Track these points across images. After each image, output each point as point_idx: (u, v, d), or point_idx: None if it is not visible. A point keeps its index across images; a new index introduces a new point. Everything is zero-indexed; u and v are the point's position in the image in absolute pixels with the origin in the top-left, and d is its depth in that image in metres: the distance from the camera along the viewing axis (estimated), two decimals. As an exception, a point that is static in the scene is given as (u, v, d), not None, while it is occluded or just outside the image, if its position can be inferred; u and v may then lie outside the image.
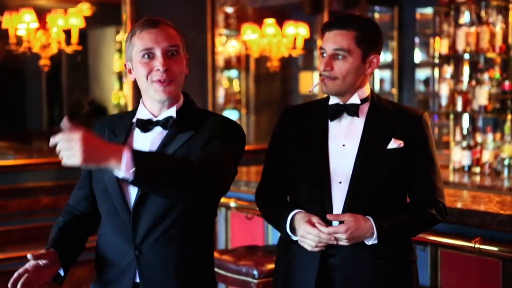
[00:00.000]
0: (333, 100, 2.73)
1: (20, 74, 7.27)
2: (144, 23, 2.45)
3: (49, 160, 6.43)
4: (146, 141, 2.45)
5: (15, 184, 6.18)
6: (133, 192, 2.41)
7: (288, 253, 2.75)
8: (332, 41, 2.66)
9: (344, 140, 2.69)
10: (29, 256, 2.31)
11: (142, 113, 2.49)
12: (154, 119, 2.46)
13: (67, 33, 6.33)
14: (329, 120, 2.72)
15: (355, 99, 2.70)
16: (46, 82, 7.37)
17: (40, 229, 6.03)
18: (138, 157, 2.12)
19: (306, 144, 2.72)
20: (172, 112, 2.46)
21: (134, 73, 2.48)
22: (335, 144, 2.69)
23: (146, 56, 2.41)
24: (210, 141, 2.39)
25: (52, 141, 2.09)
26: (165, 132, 2.45)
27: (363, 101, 2.71)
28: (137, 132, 2.48)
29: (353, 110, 2.68)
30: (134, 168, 2.09)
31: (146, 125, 2.46)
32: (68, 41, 6.33)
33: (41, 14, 6.25)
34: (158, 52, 2.40)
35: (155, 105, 2.47)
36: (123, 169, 2.10)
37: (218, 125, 2.45)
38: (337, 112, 2.70)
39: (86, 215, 2.60)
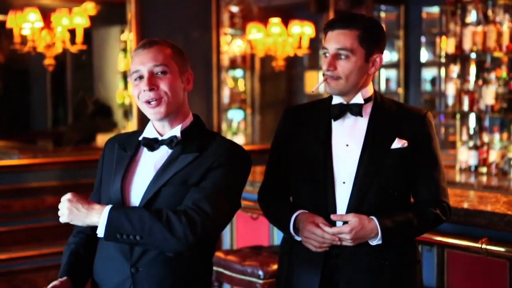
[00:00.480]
0: (336, 100, 2.72)
1: (25, 74, 7.28)
2: (139, 45, 2.50)
3: (53, 160, 6.43)
4: (151, 160, 2.49)
5: (19, 184, 6.18)
6: None
7: (292, 254, 2.73)
8: (334, 40, 2.64)
9: (347, 140, 2.67)
10: None
11: (149, 132, 2.52)
12: (160, 138, 2.49)
13: (72, 32, 6.32)
14: (332, 120, 2.70)
15: (358, 99, 2.68)
16: (51, 81, 7.38)
17: (44, 229, 6.03)
18: (112, 218, 2.31)
19: (309, 144, 2.70)
20: (176, 131, 2.48)
21: None
22: (339, 144, 2.67)
23: (137, 78, 2.45)
24: (212, 169, 2.41)
25: None
26: (170, 152, 2.47)
27: (367, 100, 2.69)
28: (144, 150, 2.51)
29: (356, 110, 2.67)
30: (104, 230, 2.31)
31: (152, 144, 2.49)
32: (72, 41, 6.32)
33: (46, 13, 6.24)
34: (144, 73, 2.43)
35: (158, 124, 2.51)
36: (99, 229, 2.33)
37: (223, 151, 2.45)
38: (341, 112, 2.68)
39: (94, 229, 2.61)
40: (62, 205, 2.36)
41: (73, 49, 6.35)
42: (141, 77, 2.43)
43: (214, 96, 7.32)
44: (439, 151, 2.72)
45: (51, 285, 2.43)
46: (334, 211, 2.64)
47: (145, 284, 2.40)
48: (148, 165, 2.47)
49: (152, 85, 2.41)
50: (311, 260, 2.65)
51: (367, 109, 2.69)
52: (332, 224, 2.60)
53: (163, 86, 2.42)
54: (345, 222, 2.58)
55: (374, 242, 2.59)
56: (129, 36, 6.82)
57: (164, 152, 2.48)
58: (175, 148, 2.46)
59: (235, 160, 2.46)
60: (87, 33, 6.60)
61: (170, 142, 2.46)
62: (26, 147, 7.07)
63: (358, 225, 2.54)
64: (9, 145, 6.92)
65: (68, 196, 2.36)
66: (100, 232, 2.32)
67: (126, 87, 7.30)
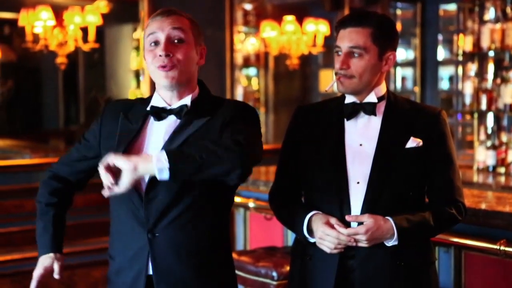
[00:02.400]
0: (349, 99, 2.69)
1: (37, 72, 7.28)
2: (157, 12, 2.51)
3: (65, 159, 6.40)
4: (160, 130, 2.46)
5: (31, 184, 6.15)
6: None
7: (305, 256, 2.71)
8: (347, 38, 2.63)
9: (361, 140, 2.65)
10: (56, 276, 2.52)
11: (157, 101, 2.50)
12: (168, 108, 2.47)
13: (84, 30, 6.31)
14: (345, 119, 2.68)
15: (372, 98, 2.66)
16: (63, 80, 7.37)
17: (56, 228, 6.00)
18: (169, 154, 2.22)
19: (322, 143, 2.68)
20: (186, 101, 2.47)
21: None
22: (352, 144, 2.65)
23: (152, 43, 2.44)
24: (230, 123, 2.39)
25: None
26: (179, 121, 2.45)
27: (380, 99, 2.67)
28: (151, 120, 2.49)
29: (370, 109, 2.64)
30: (168, 165, 2.20)
31: (160, 113, 2.47)
32: (85, 39, 6.31)
33: (58, 11, 6.23)
34: (162, 38, 2.43)
35: (167, 93, 2.48)
36: (160, 168, 2.21)
37: (232, 108, 2.46)
38: (354, 111, 2.66)
39: (72, 185, 2.65)
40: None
41: (86, 47, 6.34)
42: (156, 43, 2.43)
43: (227, 94, 7.30)
44: (454, 150, 2.70)
45: (57, 268, 2.52)
46: (349, 212, 2.61)
47: (163, 249, 2.39)
48: (159, 134, 2.44)
49: (169, 51, 2.40)
50: (326, 262, 2.62)
51: (381, 108, 2.67)
52: (347, 225, 2.57)
53: (179, 55, 2.41)
54: (360, 223, 2.54)
55: (390, 243, 2.56)
56: (142, 34, 6.79)
57: (172, 122, 2.45)
58: (185, 117, 2.44)
59: (246, 112, 2.47)
60: (100, 31, 6.58)
61: (179, 111, 2.44)
62: (38, 146, 7.06)
63: (373, 225, 2.51)
64: (21, 144, 6.92)
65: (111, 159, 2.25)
66: (164, 172, 2.21)
67: (138, 85, 7.28)
